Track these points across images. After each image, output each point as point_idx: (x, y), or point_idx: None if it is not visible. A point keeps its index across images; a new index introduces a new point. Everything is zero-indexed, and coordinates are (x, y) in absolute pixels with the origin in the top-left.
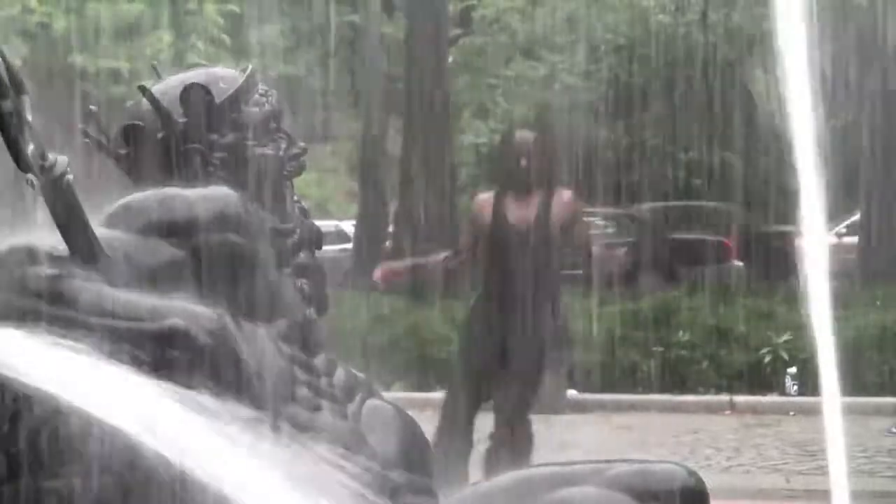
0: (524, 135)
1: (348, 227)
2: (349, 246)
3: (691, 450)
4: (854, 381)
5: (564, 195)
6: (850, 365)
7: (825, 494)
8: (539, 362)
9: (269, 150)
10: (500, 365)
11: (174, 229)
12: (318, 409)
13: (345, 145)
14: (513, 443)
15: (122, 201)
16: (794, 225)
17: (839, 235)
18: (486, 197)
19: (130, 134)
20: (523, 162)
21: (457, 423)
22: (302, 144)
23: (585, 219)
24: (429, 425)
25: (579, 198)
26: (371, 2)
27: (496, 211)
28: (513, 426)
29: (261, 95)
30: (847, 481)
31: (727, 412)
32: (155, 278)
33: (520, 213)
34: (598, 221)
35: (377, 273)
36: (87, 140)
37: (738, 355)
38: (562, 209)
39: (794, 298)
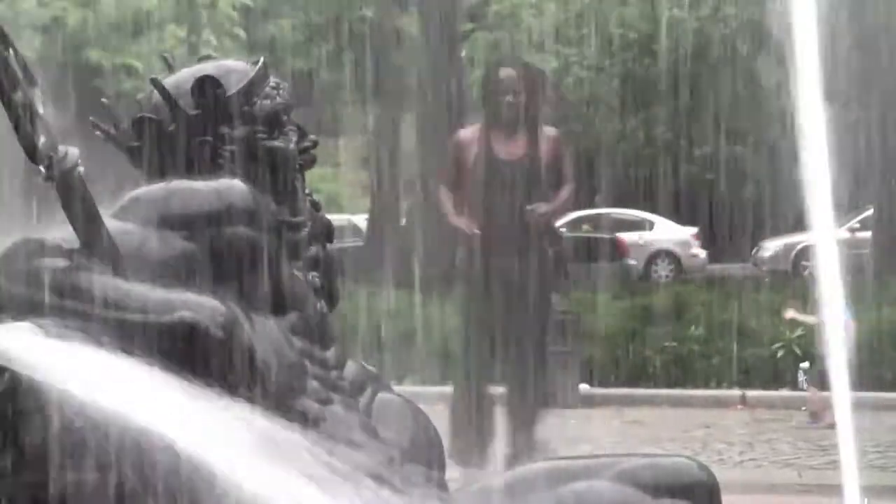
0: (509, 71)
1: (361, 221)
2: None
3: (703, 444)
4: (866, 377)
5: (550, 133)
6: (863, 360)
7: (837, 489)
8: (544, 311)
9: (280, 143)
10: (505, 320)
11: (185, 222)
12: (328, 402)
13: (357, 139)
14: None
15: (132, 194)
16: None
17: (852, 231)
18: (470, 131)
19: (142, 126)
20: (509, 98)
21: (471, 388)
22: (313, 138)
23: (568, 156)
24: (440, 420)
25: (564, 138)
26: None
27: (483, 146)
28: (524, 381)
29: (272, 88)
30: (859, 476)
31: (739, 407)
32: (165, 271)
33: (507, 148)
34: None
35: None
36: (99, 133)
37: (751, 350)
38: (548, 147)
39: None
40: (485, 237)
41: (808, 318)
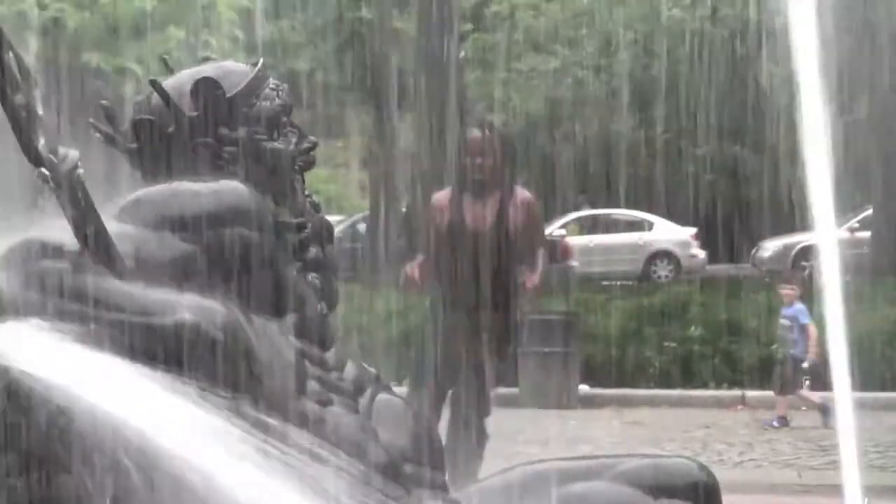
0: (477, 134)
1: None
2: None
3: (703, 445)
4: (866, 377)
5: (524, 196)
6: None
7: (837, 489)
8: (500, 358)
9: (279, 145)
10: (463, 365)
11: (185, 223)
12: (328, 403)
13: (356, 141)
14: (468, 439)
15: (132, 195)
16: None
17: (852, 230)
18: (445, 196)
19: (141, 128)
20: (478, 160)
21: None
22: (312, 139)
23: (541, 220)
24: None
25: (535, 199)
26: None
27: (453, 211)
28: (469, 424)
29: (272, 90)
30: (859, 476)
31: (739, 407)
32: (165, 272)
33: (477, 214)
34: None
35: (413, 271)
36: (98, 134)
37: (750, 350)
38: (521, 211)
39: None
40: (451, 303)
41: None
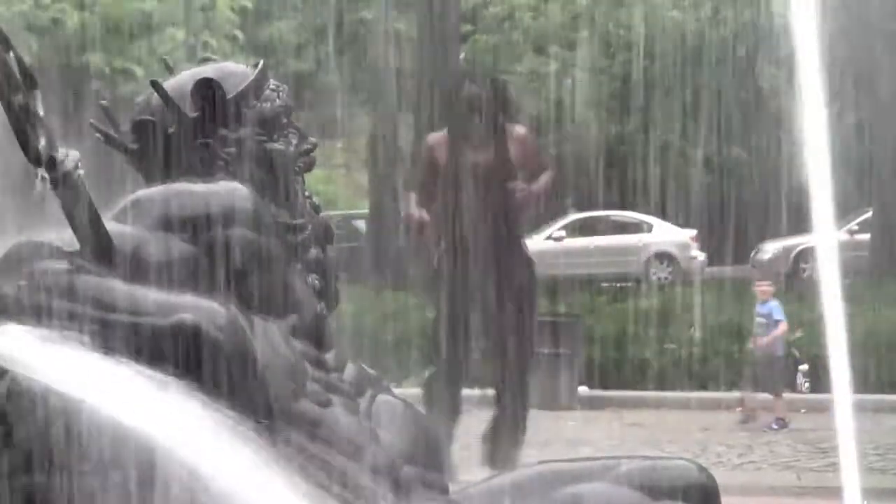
0: (471, 89)
1: (360, 223)
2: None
3: (703, 447)
4: (866, 379)
5: (518, 132)
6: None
7: (836, 491)
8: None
9: (279, 146)
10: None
11: (185, 224)
12: (328, 404)
13: (356, 142)
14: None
15: (132, 196)
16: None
17: (851, 232)
18: (441, 137)
19: (142, 129)
20: (476, 118)
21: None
22: (312, 140)
23: (538, 151)
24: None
25: (529, 132)
26: None
27: (452, 154)
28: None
29: (272, 91)
30: (859, 478)
31: (738, 409)
32: (165, 273)
33: (476, 155)
34: None
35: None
36: (99, 135)
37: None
38: (517, 147)
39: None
40: (456, 243)
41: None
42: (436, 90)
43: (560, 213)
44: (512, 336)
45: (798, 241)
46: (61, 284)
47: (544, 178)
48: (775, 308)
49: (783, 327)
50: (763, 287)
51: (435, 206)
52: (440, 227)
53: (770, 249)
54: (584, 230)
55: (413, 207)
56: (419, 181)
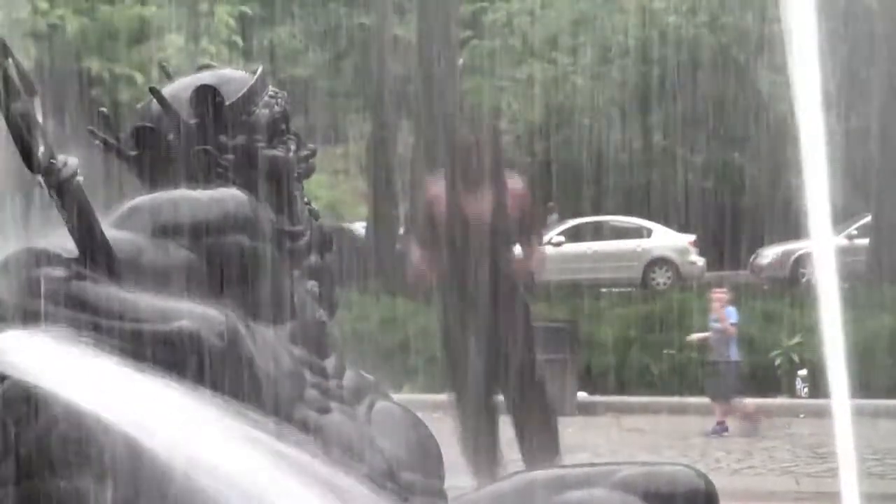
0: (468, 138)
1: (359, 229)
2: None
3: (702, 452)
4: (864, 384)
5: (517, 188)
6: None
7: (835, 496)
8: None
9: (278, 152)
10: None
11: (184, 231)
12: (327, 410)
13: (355, 147)
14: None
15: (131, 203)
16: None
17: (850, 237)
18: (440, 188)
19: (141, 136)
20: (472, 164)
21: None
22: (312, 146)
23: (535, 212)
24: (437, 426)
25: (527, 192)
26: (382, 4)
27: (450, 204)
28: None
29: (271, 97)
30: (857, 483)
31: (737, 414)
32: (164, 280)
33: (474, 206)
34: None
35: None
36: (98, 142)
37: (749, 357)
38: (514, 202)
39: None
40: (455, 293)
41: (706, 335)
42: (433, 95)
43: (543, 219)
44: (515, 389)
45: (797, 246)
46: (60, 291)
47: (536, 249)
48: (731, 314)
49: (731, 330)
50: (718, 294)
51: (435, 255)
52: (440, 276)
53: (769, 254)
54: (584, 235)
55: (414, 253)
56: (422, 231)
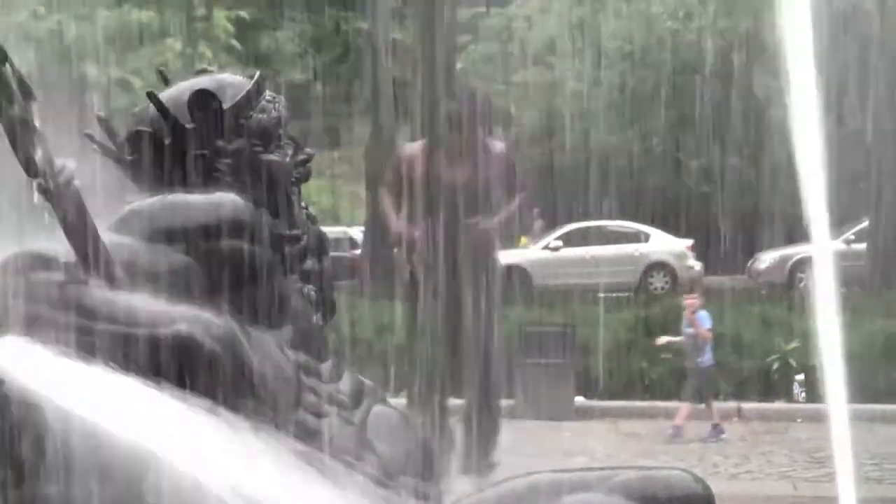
0: (451, 107)
1: (357, 233)
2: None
3: (699, 457)
4: (862, 388)
5: (497, 148)
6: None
7: (833, 501)
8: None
9: (276, 157)
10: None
11: (181, 235)
12: (324, 415)
13: (353, 152)
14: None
15: (129, 207)
16: None
17: (848, 242)
18: (417, 149)
19: (138, 140)
20: (453, 133)
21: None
22: (309, 150)
23: (515, 172)
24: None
25: (512, 150)
26: (380, 9)
27: (429, 167)
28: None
29: (268, 102)
30: (855, 488)
31: (735, 419)
32: (162, 284)
33: (452, 171)
34: None
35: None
36: (95, 146)
37: (746, 362)
38: (496, 164)
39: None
40: (428, 260)
41: (677, 338)
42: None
43: (528, 226)
44: (479, 346)
45: (795, 251)
46: (57, 295)
47: (511, 206)
48: (704, 318)
49: (706, 335)
50: (690, 300)
51: (407, 216)
52: (414, 240)
53: (767, 259)
54: (581, 240)
55: (392, 216)
56: (393, 192)
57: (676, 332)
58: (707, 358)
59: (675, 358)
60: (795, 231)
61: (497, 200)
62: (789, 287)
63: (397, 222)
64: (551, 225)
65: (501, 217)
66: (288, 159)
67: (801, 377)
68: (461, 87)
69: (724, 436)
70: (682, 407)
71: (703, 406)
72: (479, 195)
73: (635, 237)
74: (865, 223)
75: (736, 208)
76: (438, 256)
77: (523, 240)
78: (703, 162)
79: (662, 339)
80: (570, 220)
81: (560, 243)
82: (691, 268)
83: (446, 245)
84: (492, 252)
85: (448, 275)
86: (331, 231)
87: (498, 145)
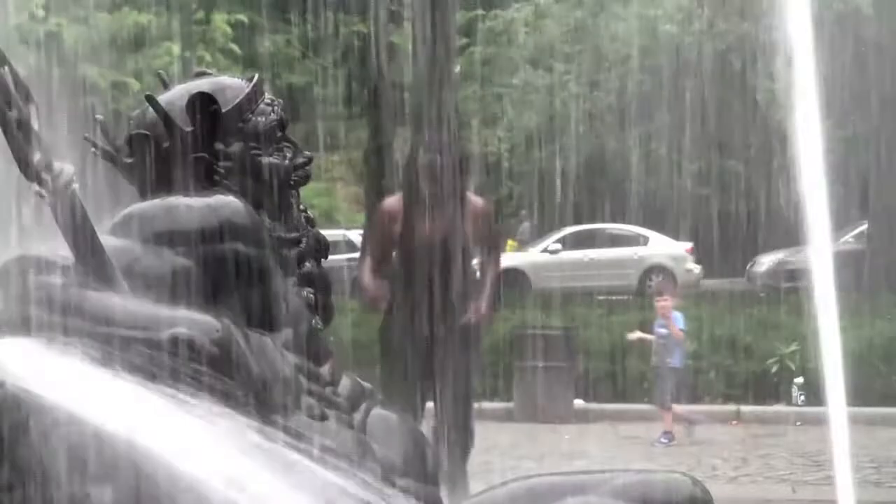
0: (429, 158)
1: (356, 236)
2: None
3: (698, 460)
4: (861, 391)
5: (477, 204)
6: (857, 375)
7: None
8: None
9: (274, 159)
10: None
11: (180, 238)
12: (323, 417)
13: (352, 154)
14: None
15: (127, 210)
16: None
17: (847, 245)
18: (396, 204)
19: (137, 143)
20: (430, 185)
21: None
22: (308, 153)
23: (494, 227)
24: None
25: (488, 203)
26: (378, 11)
27: (406, 222)
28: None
29: (267, 105)
30: (854, 491)
31: (733, 422)
32: (160, 287)
33: (430, 226)
34: None
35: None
36: (94, 149)
37: (745, 365)
38: (474, 219)
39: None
40: (406, 313)
41: (649, 336)
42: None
43: (515, 229)
44: (456, 395)
45: (794, 255)
46: (56, 298)
47: (490, 286)
48: (677, 320)
49: (679, 335)
50: (661, 302)
51: (387, 271)
52: (391, 293)
53: (766, 262)
54: (580, 243)
55: (367, 274)
56: (373, 245)
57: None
58: (677, 359)
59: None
60: (794, 234)
61: (479, 253)
62: (788, 290)
63: (370, 282)
64: (543, 228)
65: (490, 288)
66: (286, 162)
67: (800, 380)
68: (436, 140)
69: (674, 442)
70: (669, 413)
71: (672, 408)
72: (457, 250)
73: (634, 240)
74: (864, 226)
75: (735, 211)
76: (413, 322)
77: (511, 243)
78: (703, 165)
79: (634, 335)
80: (569, 223)
81: (559, 246)
82: (690, 271)
83: (420, 297)
84: (480, 332)
85: (422, 340)
86: (329, 234)
87: (478, 200)
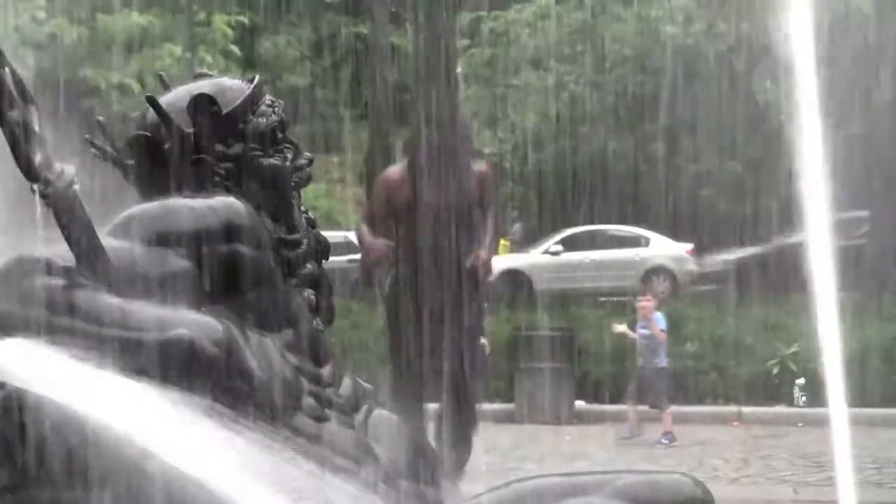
0: (431, 135)
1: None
2: (357, 256)
3: (699, 461)
4: (862, 392)
5: (478, 169)
6: (858, 376)
7: None
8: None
9: (275, 161)
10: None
11: (180, 240)
12: (324, 419)
13: (353, 156)
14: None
15: (128, 212)
16: None
17: (847, 244)
18: (399, 173)
19: (138, 145)
20: (434, 155)
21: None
22: (309, 155)
23: (493, 191)
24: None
25: (489, 166)
26: (379, 12)
27: (412, 189)
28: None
29: (268, 106)
30: (855, 492)
31: (735, 423)
32: (161, 289)
33: (436, 193)
34: None
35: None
36: (95, 151)
37: (746, 366)
38: (476, 184)
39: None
40: (414, 280)
41: (633, 334)
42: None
43: (508, 230)
44: (459, 371)
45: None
46: (57, 300)
47: (489, 235)
48: (659, 320)
49: (661, 336)
50: (643, 302)
51: (388, 239)
52: (393, 260)
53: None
54: (581, 244)
55: (368, 236)
56: (374, 215)
57: (685, 338)
58: (661, 360)
59: (675, 362)
60: (794, 234)
61: (476, 218)
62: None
63: (373, 241)
64: (544, 230)
65: (490, 237)
66: (287, 163)
67: (801, 381)
68: (441, 110)
69: (675, 443)
70: (665, 414)
71: (657, 409)
72: (462, 217)
73: (635, 241)
74: (866, 227)
75: (735, 212)
76: (420, 283)
77: (503, 242)
78: (703, 166)
79: (618, 328)
80: (570, 225)
81: (560, 248)
82: (691, 272)
83: (430, 271)
84: (484, 278)
85: (430, 299)
86: (330, 235)
87: (481, 166)
